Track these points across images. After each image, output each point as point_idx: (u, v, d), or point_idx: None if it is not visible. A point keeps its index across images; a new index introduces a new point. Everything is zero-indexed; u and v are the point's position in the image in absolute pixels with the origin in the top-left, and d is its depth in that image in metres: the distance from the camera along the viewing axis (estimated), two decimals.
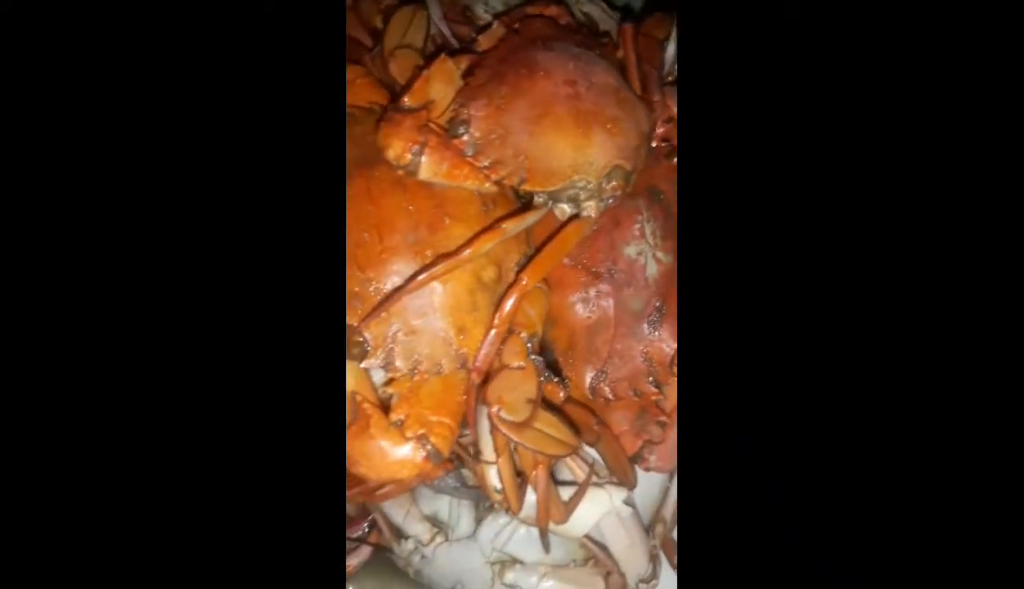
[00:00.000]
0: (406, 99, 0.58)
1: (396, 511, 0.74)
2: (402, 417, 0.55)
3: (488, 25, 0.70)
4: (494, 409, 0.54)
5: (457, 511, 0.71)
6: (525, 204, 0.63)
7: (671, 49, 0.72)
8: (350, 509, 0.81)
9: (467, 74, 0.61)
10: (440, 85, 0.59)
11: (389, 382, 0.57)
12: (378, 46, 0.69)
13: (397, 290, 0.55)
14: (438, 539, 0.71)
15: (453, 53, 0.62)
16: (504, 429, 0.54)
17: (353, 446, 0.55)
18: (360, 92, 0.68)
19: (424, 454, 0.54)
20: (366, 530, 0.80)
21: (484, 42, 0.68)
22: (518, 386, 0.56)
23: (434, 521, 0.72)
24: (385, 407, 0.56)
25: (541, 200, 0.61)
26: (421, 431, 0.54)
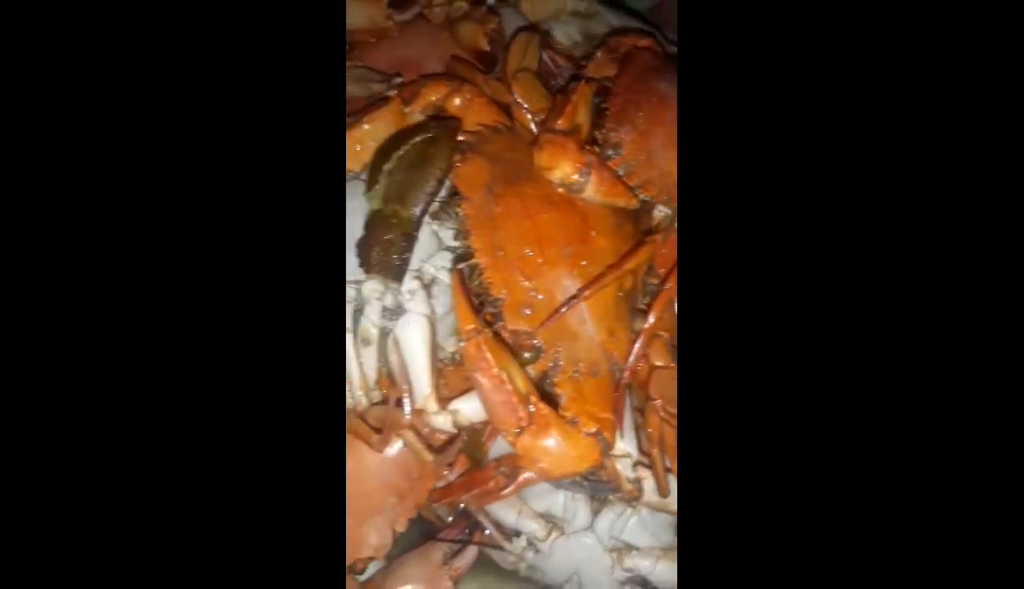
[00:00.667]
0: (559, 123, 0.63)
1: (507, 512, 0.77)
2: (575, 416, 0.59)
3: (591, 54, 0.77)
4: (658, 403, 0.60)
5: (572, 505, 0.75)
6: (649, 223, 0.69)
7: None
8: (448, 513, 0.83)
9: (599, 103, 0.67)
10: (583, 110, 0.65)
11: (553, 385, 0.61)
12: (496, 68, 0.74)
13: (572, 298, 0.60)
14: (554, 533, 0.75)
15: (589, 81, 0.68)
16: (671, 421, 0.60)
17: (534, 445, 0.58)
18: (481, 112, 0.72)
19: (600, 448, 0.59)
20: (467, 532, 0.82)
21: (592, 69, 0.74)
22: (670, 384, 0.62)
23: (548, 517, 0.77)
24: (557, 405, 0.60)
25: (662, 214, 0.68)
26: (596, 428, 0.59)
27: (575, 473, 0.60)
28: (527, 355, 0.60)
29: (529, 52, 0.73)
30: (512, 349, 0.61)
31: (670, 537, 0.75)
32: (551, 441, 0.58)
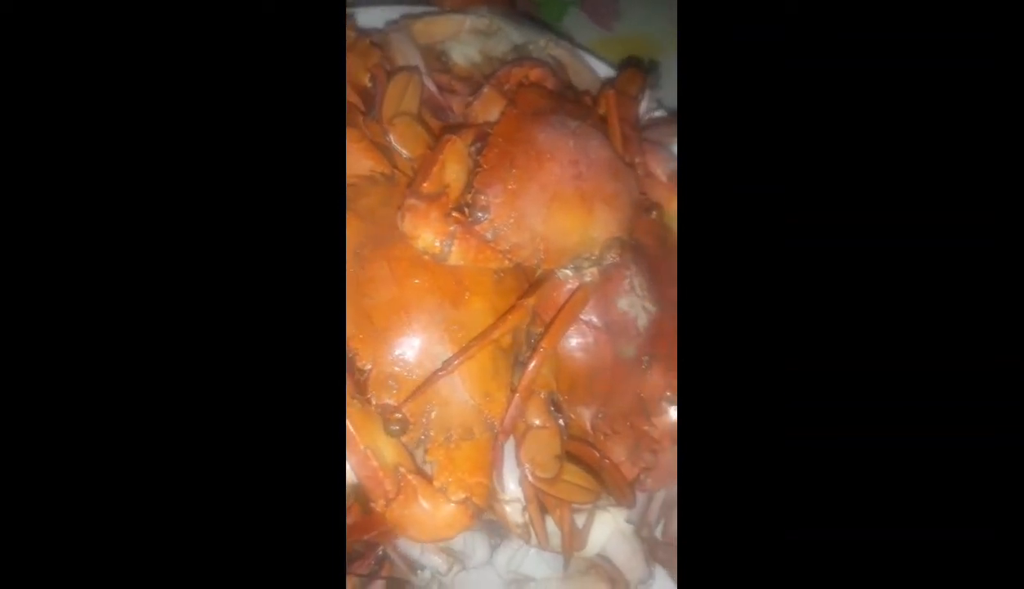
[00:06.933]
0: (425, 186, 0.61)
1: (411, 547, 0.80)
2: (445, 483, 0.60)
3: (479, 87, 0.73)
4: (527, 468, 0.61)
5: (472, 542, 0.77)
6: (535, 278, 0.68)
7: (643, 104, 0.79)
8: (360, 546, 0.85)
9: (476, 152, 0.64)
10: (453, 166, 0.62)
11: (425, 452, 0.62)
12: (373, 111, 0.70)
13: (436, 373, 0.59)
14: (455, 568, 0.78)
15: (456, 129, 0.65)
16: (540, 485, 0.61)
17: (403, 515, 0.59)
18: (359, 159, 0.69)
19: (469, 513, 0.60)
20: (376, 564, 0.85)
21: (479, 107, 0.71)
22: (545, 445, 0.62)
23: (449, 552, 0.79)
24: (425, 475, 0.61)
25: (543, 270, 0.67)
26: (464, 495, 0.60)
27: (444, 539, 0.62)
28: (393, 428, 0.60)
29: (408, 94, 0.69)
30: (382, 417, 0.61)
31: (562, 567, 0.78)
32: (418, 510, 0.59)
